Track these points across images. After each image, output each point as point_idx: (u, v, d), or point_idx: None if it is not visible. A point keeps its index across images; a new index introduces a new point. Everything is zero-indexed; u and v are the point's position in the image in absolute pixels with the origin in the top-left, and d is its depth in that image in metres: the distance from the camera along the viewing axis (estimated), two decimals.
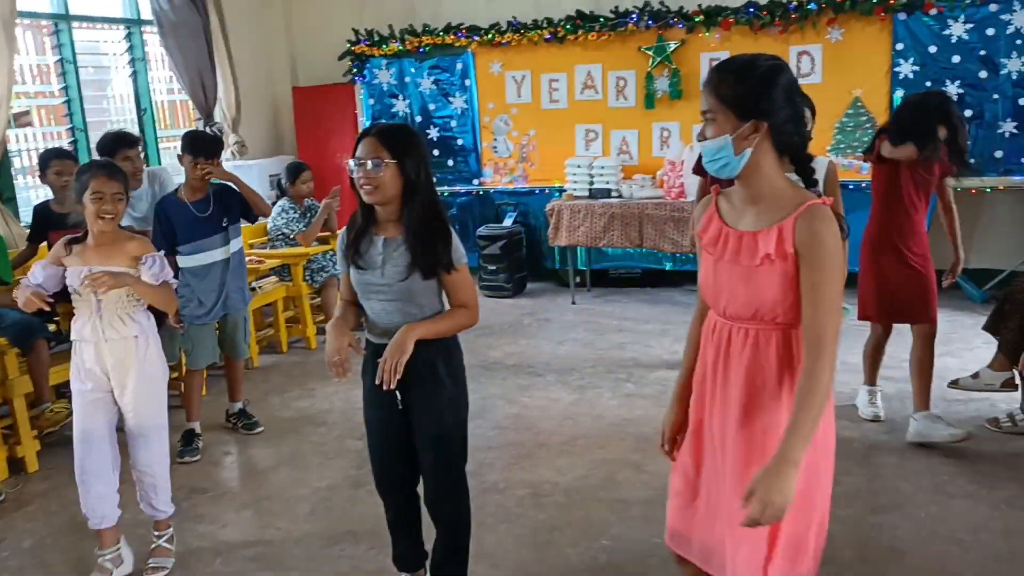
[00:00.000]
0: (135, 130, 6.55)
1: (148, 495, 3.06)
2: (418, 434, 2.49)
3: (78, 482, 2.97)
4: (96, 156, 4.68)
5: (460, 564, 2.65)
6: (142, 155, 4.79)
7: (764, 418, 1.87)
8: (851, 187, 6.16)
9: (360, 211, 2.43)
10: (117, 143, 4.53)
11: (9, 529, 3.46)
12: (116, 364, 2.92)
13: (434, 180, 2.44)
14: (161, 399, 3.07)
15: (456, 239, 2.41)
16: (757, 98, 1.76)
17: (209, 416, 4.49)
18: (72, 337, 2.96)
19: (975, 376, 4.06)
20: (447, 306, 2.47)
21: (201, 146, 4.04)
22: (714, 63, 1.92)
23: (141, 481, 3.04)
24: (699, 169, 4.13)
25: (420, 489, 2.63)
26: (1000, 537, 3.03)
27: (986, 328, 4.12)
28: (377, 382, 2.31)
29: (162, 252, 3.03)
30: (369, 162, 2.29)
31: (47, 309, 2.88)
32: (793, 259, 1.77)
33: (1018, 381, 3.91)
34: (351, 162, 2.34)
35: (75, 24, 6.05)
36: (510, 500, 3.49)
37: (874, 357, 4.30)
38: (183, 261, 4.04)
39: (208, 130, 6.88)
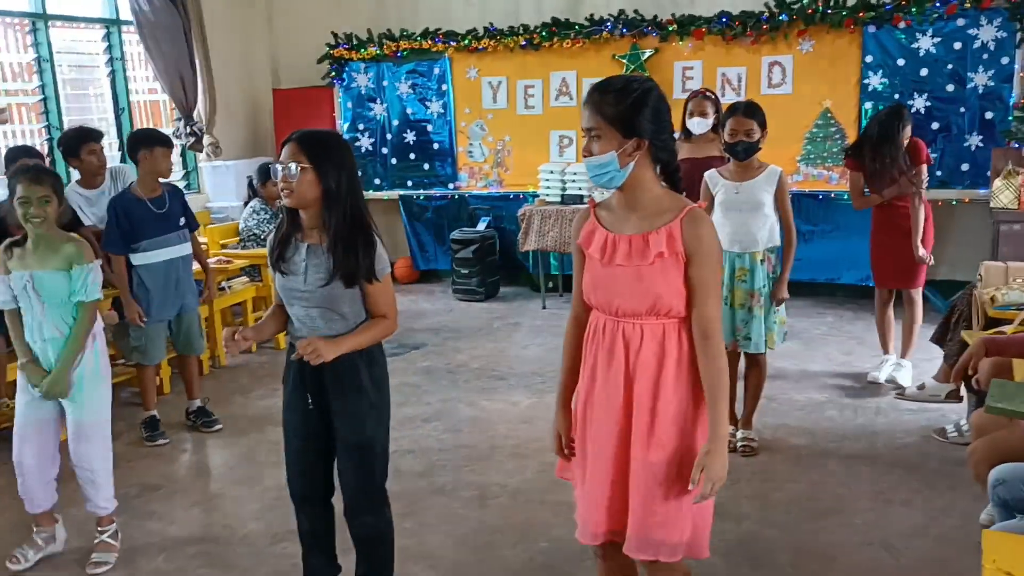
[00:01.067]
0: (113, 129, 6.60)
1: (87, 490, 3.11)
2: (338, 442, 2.50)
3: (16, 473, 3.05)
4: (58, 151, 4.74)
5: None
6: (108, 150, 4.81)
7: (664, 401, 2.02)
8: (820, 197, 6.23)
9: (286, 215, 2.45)
10: (80, 138, 4.58)
11: None
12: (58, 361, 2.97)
13: (360, 188, 2.44)
14: (104, 398, 3.11)
15: (381, 249, 2.42)
16: (639, 117, 1.94)
17: (168, 414, 4.52)
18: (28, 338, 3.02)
19: (921, 387, 4.12)
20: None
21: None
22: (598, 83, 2.03)
23: (80, 477, 3.09)
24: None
25: (336, 501, 2.62)
26: (933, 544, 3.07)
27: (933, 340, 4.18)
28: (294, 357, 2.36)
29: (98, 263, 3.06)
30: (290, 165, 2.32)
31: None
32: (682, 257, 1.96)
33: (963, 392, 3.96)
34: (275, 166, 2.38)
35: (55, 23, 6.10)
36: (456, 502, 3.53)
37: (883, 326, 4.81)
38: (141, 258, 4.09)
39: (188, 129, 6.94)
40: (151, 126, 7.22)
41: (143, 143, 4.16)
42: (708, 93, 4.96)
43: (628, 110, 1.93)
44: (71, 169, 4.86)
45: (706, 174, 3.87)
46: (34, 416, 3.01)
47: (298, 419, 2.53)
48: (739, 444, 3.85)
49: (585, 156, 2.00)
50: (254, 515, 3.47)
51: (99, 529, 3.17)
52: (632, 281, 1.99)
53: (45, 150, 5.83)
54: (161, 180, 4.16)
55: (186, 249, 4.24)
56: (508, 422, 4.40)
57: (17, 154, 4.49)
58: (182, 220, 4.20)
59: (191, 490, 3.77)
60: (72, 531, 3.28)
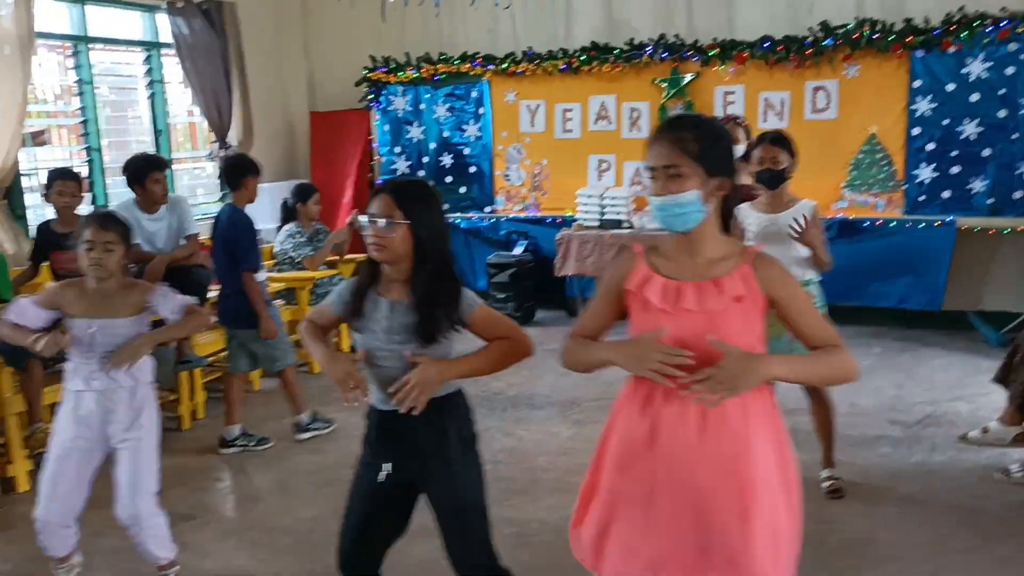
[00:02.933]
0: (151, 151, 6.63)
1: (148, 546, 2.95)
2: (436, 511, 2.34)
3: (39, 529, 2.89)
4: (123, 178, 4.76)
5: None
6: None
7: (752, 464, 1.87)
8: (866, 224, 6.07)
9: (366, 268, 2.29)
10: (148, 166, 4.64)
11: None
12: (117, 414, 2.85)
13: (449, 240, 2.31)
14: (156, 448, 2.98)
15: (463, 292, 2.27)
16: (723, 156, 1.89)
17: (201, 439, 4.47)
18: (68, 387, 2.87)
19: (984, 431, 3.94)
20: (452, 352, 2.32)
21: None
22: (671, 115, 2.11)
23: (140, 533, 2.92)
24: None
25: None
26: None
27: (996, 380, 4.00)
28: (395, 403, 2.18)
29: (167, 284, 3.04)
30: (381, 221, 2.18)
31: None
32: (762, 300, 1.87)
33: None
34: (362, 218, 2.23)
35: (95, 46, 6.15)
36: (495, 540, 3.41)
37: None
38: (261, 274, 4.49)
39: (222, 152, 6.95)
40: (188, 149, 7.27)
41: (251, 170, 4.43)
42: (738, 119, 4.85)
43: (713, 148, 1.87)
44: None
45: (736, 209, 3.75)
46: (77, 466, 2.85)
47: (370, 487, 2.34)
48: (823, 483, 3.69)
49: (658, 195, 1.88)
50: (287, 549, 3.38)
51: (161, 574, 3.04)
52: (701, 330, 1.84)
53: (85, 172, 5.85)
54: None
55: None
56: (547, 454, 4.29)
57: (55, 176, 4.52)
58: None
59: (225, 520, 3.70)
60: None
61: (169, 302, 2.94)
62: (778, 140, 3.63)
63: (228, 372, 4.48)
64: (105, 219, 2.86)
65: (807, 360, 1.93)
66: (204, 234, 5.11)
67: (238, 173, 4.40)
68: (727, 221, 1.96)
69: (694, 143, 1.85)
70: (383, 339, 2.25)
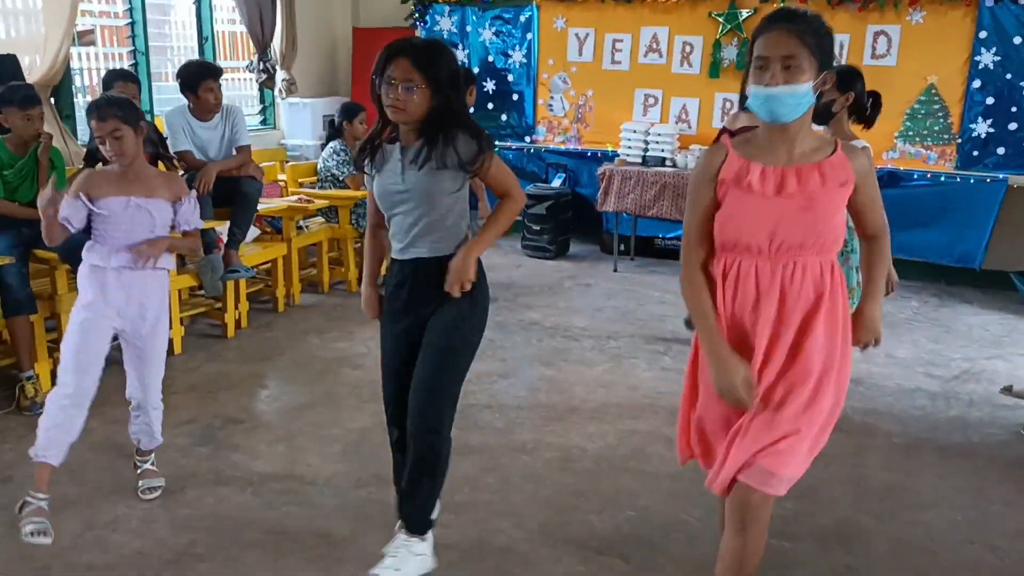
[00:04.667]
0: (195, 57, 6.56)
1: (153, 427, 3.07)
2: (425, 345, 2.47)
3: (55, 410, 2.81)
4: (177, 82, 4.73)
5: (428, 505, 2.57)
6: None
7: (813, 338, 2.04)
8: (915, 176, 5.98)
9: (384, 126, 2.43)
10: (201, 73, 4.62)
11: None
12: (137, 296, 2.91)
13: (463, 92, 2.44)
14: (165, 336, 3.09)
15: (483, 131, 2.42)
16: (831, 52, 1.98)
17: (247, 349, 4.53)
18: (94, 262, 2.88)
19: None
20: (466, 210, 2.50)
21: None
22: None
23: (147, 413, 3.03)
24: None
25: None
26: None
27: None
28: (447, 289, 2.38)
29: (194, 193, 3.05)
30: (401, 86, 2.28)
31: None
32: (852, 184, 2.02)
33: None
34: (379, 80, 2.32)
35: None
36: (538, 462, 3.48)
37: None
38: None
39: (261, 65, 6.87)
40: (233, 59, 7.19)
41: (472, 80, 4.96)
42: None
43: (828, 42, 1.95)
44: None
45: None
46: (93, 348, 2.84)
47: (396, 330, 2.54)
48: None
49: (773, 85, 1.92)
50: (336, 458, 3.46)
51: (141, 459, 3.14)
52: (799, 212, 1.98)
53: None
54: None
55: None
56: (584, 384, 4.33)
57: (113, 77, 4.47)
58: None
59: (274, 426, 3.76)
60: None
61: (191, 212, 2.99)
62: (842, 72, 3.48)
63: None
64: (102, 109, 2.78)
65: (881, 270, 2.20)
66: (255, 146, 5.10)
67: (466, 82, 4.80)
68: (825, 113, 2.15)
69: (811, 36, 1.92)
70: (399, 178, 2.40)
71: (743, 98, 4.53)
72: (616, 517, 3.08)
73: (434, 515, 2.63)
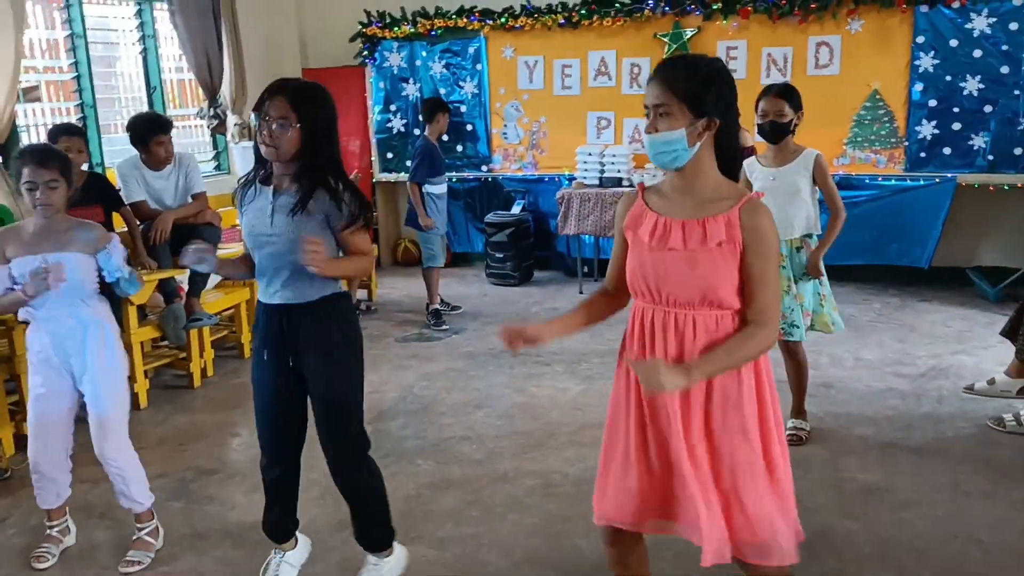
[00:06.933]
0: (144, 108, 6.49)
1: (120, 487, 2.98)
2: (313, 399, 2.53)
3: (32, 472, 2.93)
4: (115, 135, 4.65)
5: (380, 528, 2.71)
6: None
7: (724, 397, 1.98)
8: (867, 180, 6.11)
9: (259, 166, 2.47)
10: (151, 129, 4.55)
11: (15, 507, 3.42)
12: (75, 352, 2.85)
13: (338, 139, 2.49)
14: (123, 389, 2.98)
15: (359, 192, 2.46)
16: (710, 97, 1.89)
17: (215, 397, 4.44)
18: (24, 317, 2.88)
19: (991, 382, 4.00)
20: (335, 251, 2.49)
21: None
22: (666, 59, 2.08)
23: (111, 475, 2.97)
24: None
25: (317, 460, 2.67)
26: (1019, 537, 2.98)
27: (1003, 333, 4.07)
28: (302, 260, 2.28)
29: (116, 239, 2.95)
30: (276, 123, 2.31)
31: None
32: (739, 246, 1.90)
33: None
34: (255, 116, 2.37)
35: None
36: (519, 490, 3.45)
37: None
38: (435, 188, 5.82)
39: (212, 111, 6.82)
40: (183, 107, 7.12)
41: (441, 108, 5.90)
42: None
43: (701, 87, 1.89)
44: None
45: (744, 162, 3.77)
46: (48, 410, 2.88)
47: (269, 374, 2.55)
48: (787, 432, 3.75)
49: (649, 133, 1.93)
50: (314, 503, 3.38)
51: (137, 526, 3.05)
52: (684, 267, 1.94)
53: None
54: None
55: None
56: (560, 408, 4.31)
57: (58, 132, 4.39)
58: None
59: (248, 474, 3.67)
60: (112, 528, 3.21)
61: (117, 257, 2.91)
62: (784, 92, 3.60)
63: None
64: (43, 157, 2.75)
65: (726, 356, 1.92)
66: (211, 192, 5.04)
67: (434, 109, 5.83)
68: (730, 165, 1.99)
69: (682, 83, 1.89)
70: (267, 219, 2.40)
71: None
72: (602, 541, 3.04)
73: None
